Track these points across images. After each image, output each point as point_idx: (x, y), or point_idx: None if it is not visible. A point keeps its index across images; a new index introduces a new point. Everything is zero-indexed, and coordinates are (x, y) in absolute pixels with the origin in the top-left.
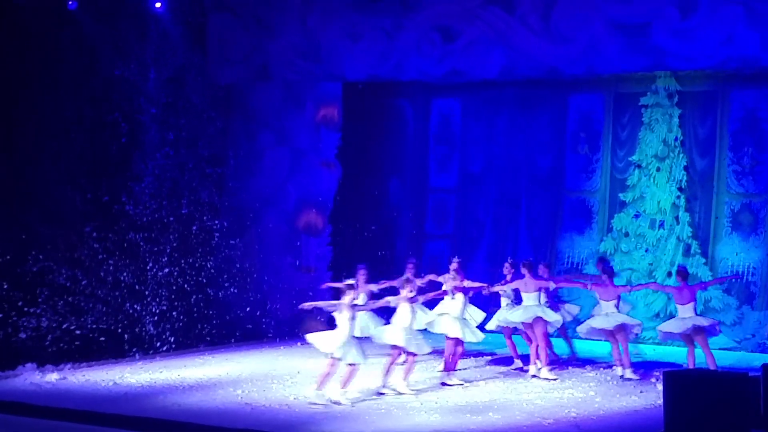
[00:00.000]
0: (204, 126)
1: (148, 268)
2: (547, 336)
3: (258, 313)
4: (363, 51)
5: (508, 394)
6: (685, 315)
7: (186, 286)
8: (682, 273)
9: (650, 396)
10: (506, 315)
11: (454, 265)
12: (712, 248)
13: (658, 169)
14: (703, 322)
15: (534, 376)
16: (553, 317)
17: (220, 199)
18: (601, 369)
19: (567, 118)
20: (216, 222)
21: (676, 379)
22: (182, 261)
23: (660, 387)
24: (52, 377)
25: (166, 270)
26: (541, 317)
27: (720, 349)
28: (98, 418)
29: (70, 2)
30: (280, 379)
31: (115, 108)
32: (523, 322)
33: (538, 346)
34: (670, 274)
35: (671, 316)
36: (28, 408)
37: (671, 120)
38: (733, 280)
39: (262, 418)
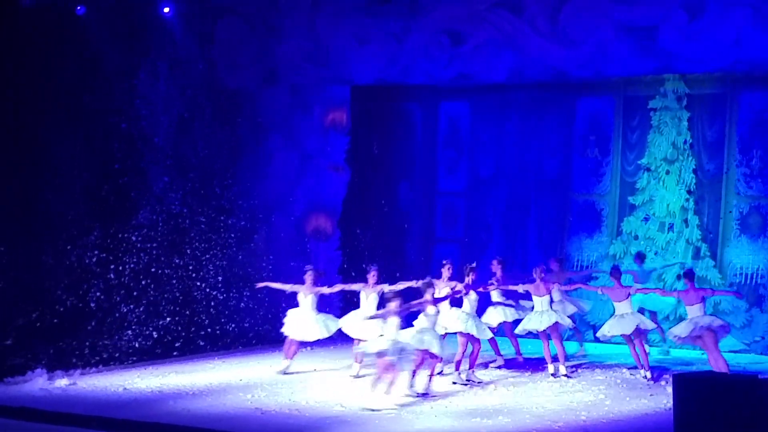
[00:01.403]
0: (215, 134)
1: (155, 270)
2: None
3: (269, 317)
4: (371, 54)
5: (518, 398)
6: (694, 315)
7: (196, 291)
8: (689, 275)
9: (660, 399)
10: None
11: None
12: (721, 251)
13: (667, 172)
14: (711, 322)
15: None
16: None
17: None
18: (611, 372)
19: (576, 121)
20: (227, 222)
21: (686, 382)
22: (194, 262)
23: (670, 390)
24: (62, 383)
25: (177, 272)
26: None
27: (729, 351)
28: (108, 424)
29: (78, 7)
30: (291, 383)
31: (122, 131)
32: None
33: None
34: (679, 277)
35: (681, 319)
36: (38, 413)
37: (680, 123)
38: (737, 297)
39: (272, 423)
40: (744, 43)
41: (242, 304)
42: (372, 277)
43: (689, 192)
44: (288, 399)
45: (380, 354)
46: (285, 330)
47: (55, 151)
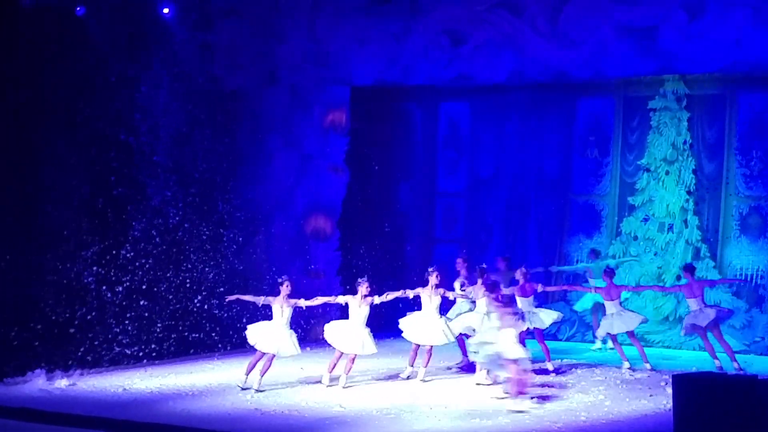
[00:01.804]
0: (214, 137)
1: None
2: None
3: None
4: (371, 55)
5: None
6: (697, 307)
7: (195, 291)
8: (689, 269)
9: (660, 399)
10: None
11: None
12: (720, 251)
13: (666, 173)
14: (717, 312)
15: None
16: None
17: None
18: (611, 372)
19: (576, 121)
20: (225, 230)
21: (686, 383)
22: (196, 263)
23: (669, 390)
24: (62, 383)
25: (178, 274)
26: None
27: None
28: (108, 424)
29: (78, 8)
30: (291, 384)
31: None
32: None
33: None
34: (679, 277)
35: (681, 319)
36: (38, 414)
37: (680, 123)
38: (741, 283)
39: (272, 424)
40: (744, 44)
41: (244, 319)
42: (365, 288)
43: (689, 192)
44: (288, 399)
45: (517, 361)
46: (257, 345)
47: (53, 155)
